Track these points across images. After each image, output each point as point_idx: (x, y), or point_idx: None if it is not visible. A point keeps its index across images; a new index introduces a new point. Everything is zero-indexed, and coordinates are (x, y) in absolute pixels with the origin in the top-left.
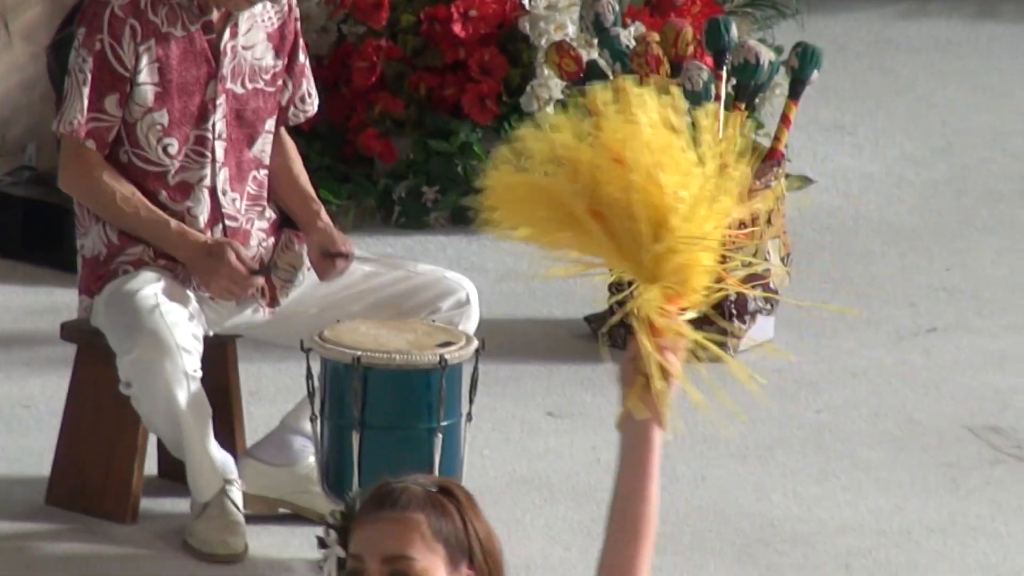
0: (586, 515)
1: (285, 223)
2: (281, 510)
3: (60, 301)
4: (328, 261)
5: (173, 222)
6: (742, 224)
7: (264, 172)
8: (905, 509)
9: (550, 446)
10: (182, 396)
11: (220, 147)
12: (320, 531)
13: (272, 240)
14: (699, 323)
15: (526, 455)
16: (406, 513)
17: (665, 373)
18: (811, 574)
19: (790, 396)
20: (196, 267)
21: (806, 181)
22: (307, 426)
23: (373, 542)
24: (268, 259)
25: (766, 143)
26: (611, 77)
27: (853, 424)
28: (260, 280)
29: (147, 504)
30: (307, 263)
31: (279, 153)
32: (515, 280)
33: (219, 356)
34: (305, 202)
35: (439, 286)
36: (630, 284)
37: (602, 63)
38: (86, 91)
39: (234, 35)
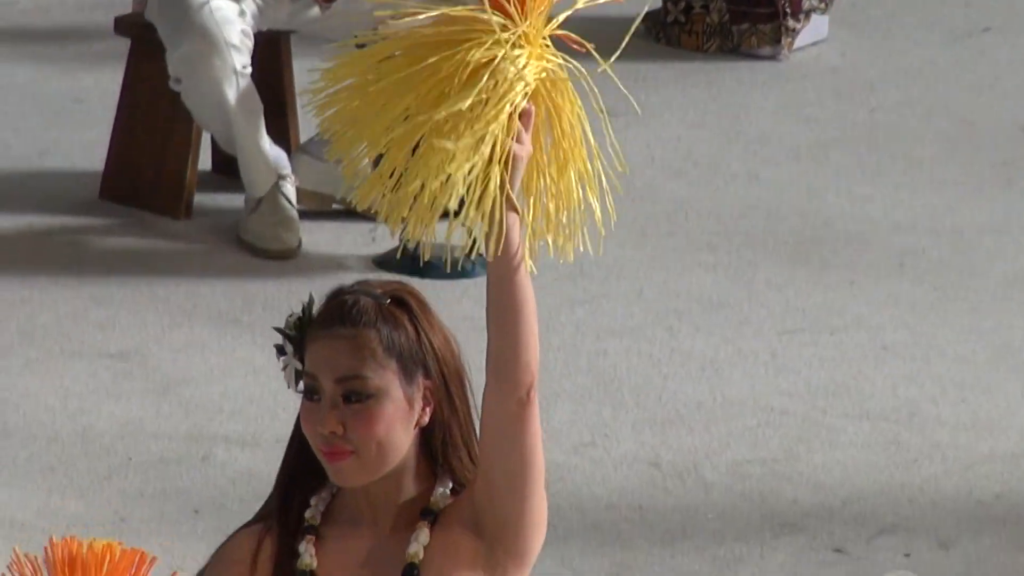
0: (641, 213)
1: None
2: (335, 206)
3: None
4: None
5: None
6: None
7: None
8: (959, 208)
9: (604, 144)
10: (231, 92)
11: None
12: (279, 338)
13: None
14: (754, 18)
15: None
16: (357, 330)
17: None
18: (864, 272)
19: (844, 95)
20: None
21: None
22: None
23: (326, 362)
24: None
25: None
26: None
27: (907, 123)
28: None
29: (201, 199)
30: None
31: None
32: None
33: (272, 53)
34: None
35: None
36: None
37: None
38: None
39: None
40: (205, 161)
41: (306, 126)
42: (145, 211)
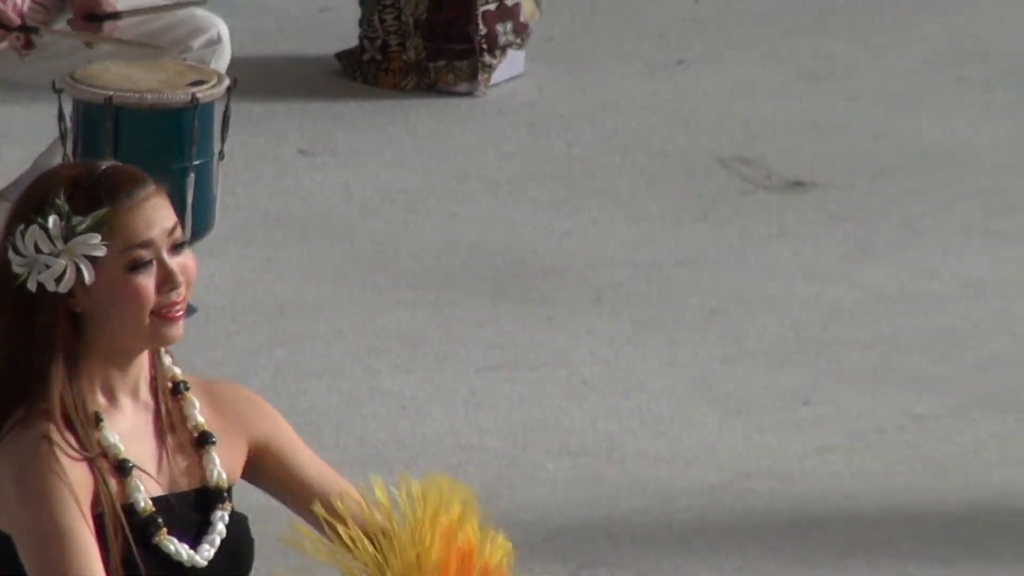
0: (338, 253)
1: None
2: None
3: None
4: (95, 25)
5: None
6: None
7: None
8: (656, 241)
9: (302, 184)
10: None
11: None
12: (51, 235)
13: None
14: (450, 55)
15: (279, 193)
16: (155, 185)
17: None
18: (562, 307)
19: (541, 130)
20: None
21: None
22: None
23: (156, 221)
24: (31, 19)
25: None
26: None
27: (604, 156)
28: (19, 38)
29: None
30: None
31: None
32: (266, 17)
33: None
34: None
35: (190, 24)
36: (382, 22)
37: None
38: None
39: None
40: None
41: (3, 172)
42: None
